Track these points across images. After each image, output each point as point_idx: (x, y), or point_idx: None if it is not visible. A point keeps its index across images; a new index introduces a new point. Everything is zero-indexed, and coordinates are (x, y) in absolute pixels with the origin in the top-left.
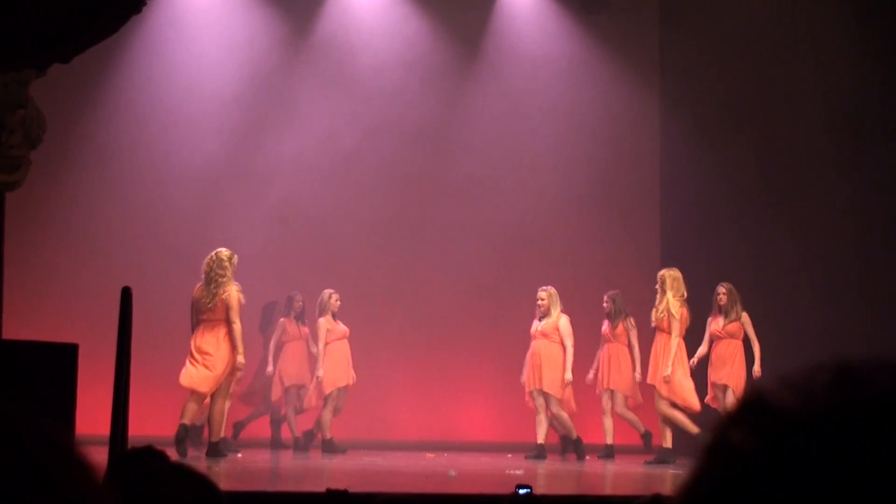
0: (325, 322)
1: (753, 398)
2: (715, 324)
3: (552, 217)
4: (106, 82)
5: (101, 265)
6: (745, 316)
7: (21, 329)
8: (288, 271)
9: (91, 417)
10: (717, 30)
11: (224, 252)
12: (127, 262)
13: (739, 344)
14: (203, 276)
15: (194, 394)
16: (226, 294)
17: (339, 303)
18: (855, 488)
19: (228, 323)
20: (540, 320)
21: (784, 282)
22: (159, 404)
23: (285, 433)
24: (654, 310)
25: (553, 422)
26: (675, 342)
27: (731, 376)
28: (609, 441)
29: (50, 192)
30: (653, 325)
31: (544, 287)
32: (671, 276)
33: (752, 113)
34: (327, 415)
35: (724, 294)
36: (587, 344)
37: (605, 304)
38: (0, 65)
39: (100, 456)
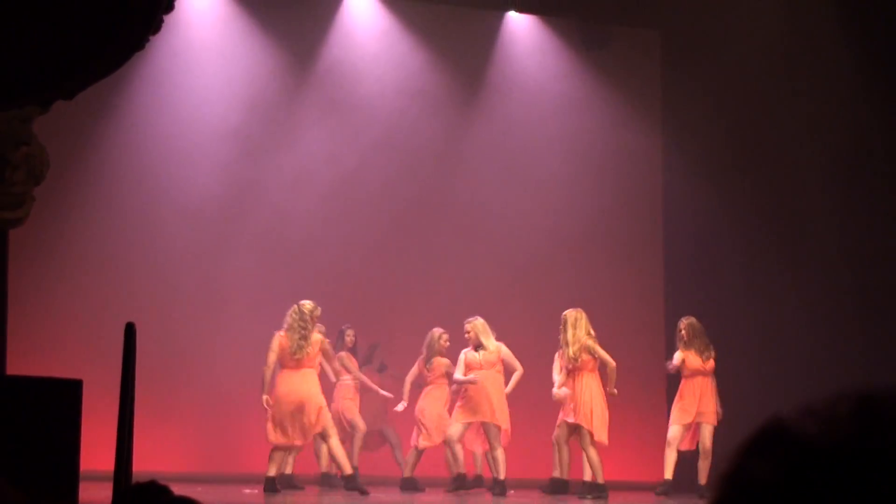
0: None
1: (773, 427)
2: (686, 360)
3: (554, 249)
4: (108, 117)
5: (105, 301)
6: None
7: (25, 365)
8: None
9: (95, 453)
10: (719, 67)
11: (307, 305)
12: (130, 298)
13: (709, 379)
14: (286, 325)
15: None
16: (311, 344)
17: (447, 343)
18: None
19: (320, 366)
20: (476, 350)
21: (784, 314)
22: (164, 440)
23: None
24: (566, 349)
25: (488, 457)
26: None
27: (711, 413)
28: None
29: (53, 229)
30: (569, 366)
31: (470, 319)
32: (573, 317)
33: (753, 148)
34: (460, 451)
35: (684, 328)
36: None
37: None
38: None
39: (104, 492)
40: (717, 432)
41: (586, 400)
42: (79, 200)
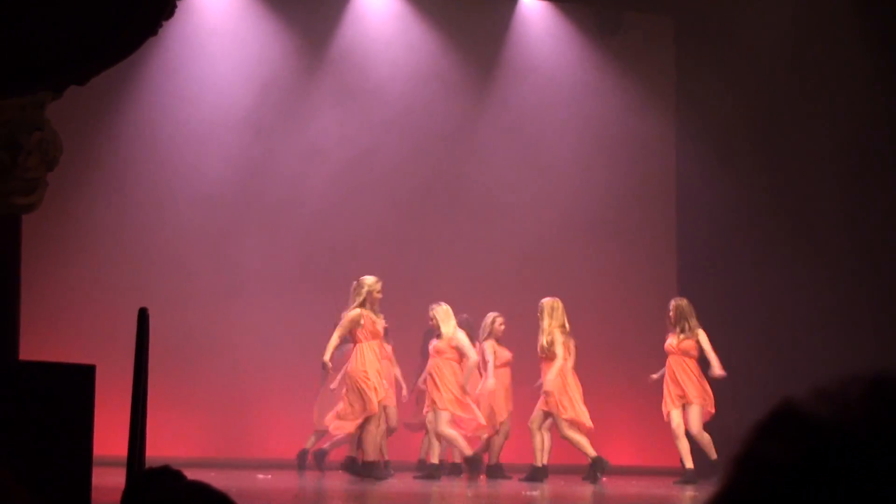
0: (490, 346)
1: (785, 409)
2: (668, 341)
3: (565, 235)
4: (121, 102)
5: (119, 286)
6: (700, 332)
7: (38, 350)
8: (306, 286)
9: (108, 439)
10: (732, 53)
11: (366, 279)
12: (144, 283)
13: (693, 361)
14: (360, 300)
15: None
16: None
17: (503, 327)
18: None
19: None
20: (438, 338)
21: (798, 302)
22: (177, 425)
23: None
24: (540, 337)
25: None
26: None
27: (692, 394)
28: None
29: (66, 214)
30: (541, 355)
31: (433, 305)
32: (550, 306)
33: (767, 135)
34: (499, 440)
35: (671, 310)
36: (608, 361)
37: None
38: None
39: (117, 478)
40: (730, 418)
41: (559, 387)
42: (92, 186)
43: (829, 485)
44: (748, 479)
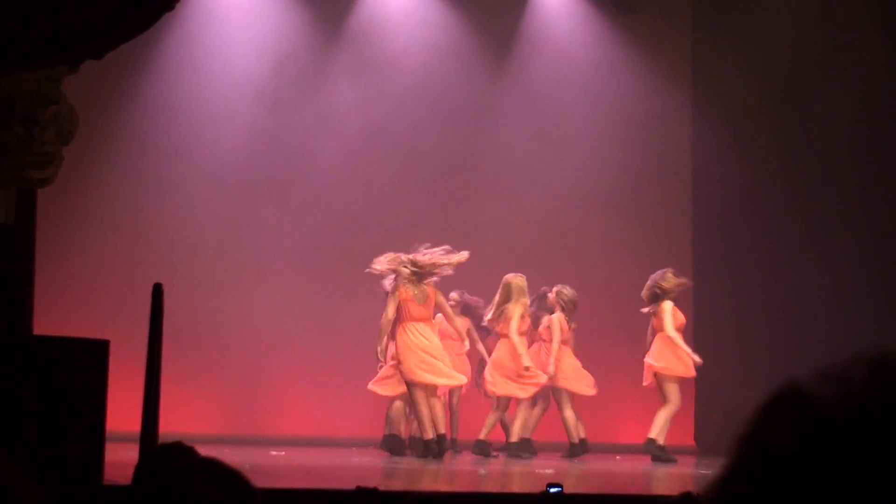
0: (557, 318)
1: (789, 391)
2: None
3: (580, 212)
4: (137, 77)
5: (133, 261)
6: (662, 305)
7: (52, 325)
8: (321, 260)
9: (122, 414)
10: (749, 31)
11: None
12: (158, 258)
13: (663, 335)
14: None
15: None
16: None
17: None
18: (893, 483)
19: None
20: None
21: (812, 279)
22: (190, 401)
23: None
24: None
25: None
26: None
27: (660, 367)
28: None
29: (81, 189)
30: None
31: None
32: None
33: (784, 113)
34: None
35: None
36: (620, 338)
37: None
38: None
39: (130, 453)
40: (745, 396)
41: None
42: (108, 161)
43: (831, 466)
44: (751, 460)
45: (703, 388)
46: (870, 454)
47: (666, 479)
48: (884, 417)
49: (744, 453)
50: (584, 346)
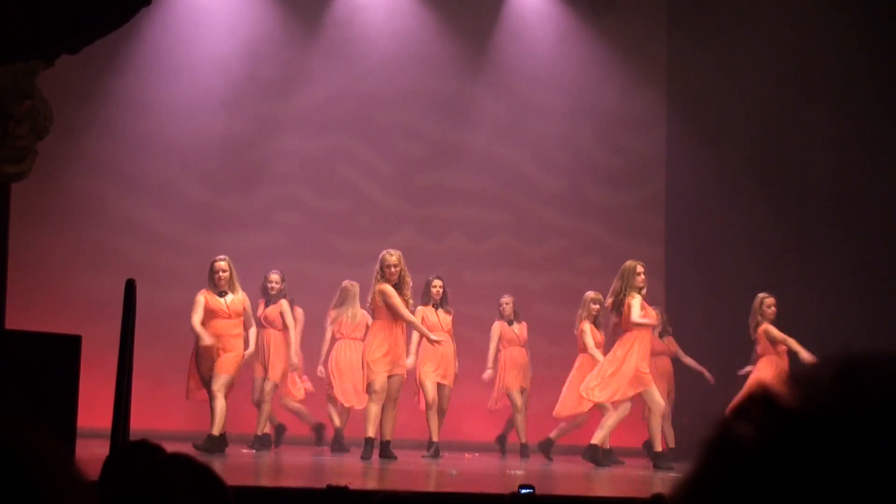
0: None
1: (758, 393)
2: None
3: (555, 213)
4: (111, 72)
5: (105, 257)
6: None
7: (24, 319)
8: (294, 258)
9: (93, 410)
10: (724, 33)
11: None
12: (131, 254)
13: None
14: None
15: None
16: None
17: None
18: (859, 485)
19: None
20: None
21: (786, 282)
22: (162, 398)
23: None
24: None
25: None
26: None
27: None
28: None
29: (54, 184)
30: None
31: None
32: None
33: (758, 114)
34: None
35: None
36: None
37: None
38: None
39: (101, 449)
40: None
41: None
42: (80, 155)
43: (798, 468)
44: (719, 462)
45: (678, 392)
46: (836, 456)
47: (639, 481)
48: (850, 419)
49: (711, 455)
50: (559, 349)
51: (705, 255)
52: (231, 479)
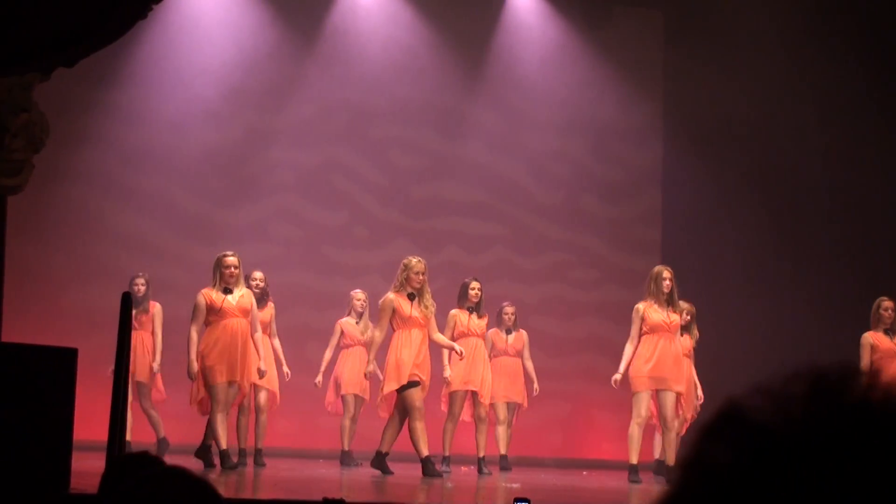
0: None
1: (730, 410)
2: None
3: (551, 227)
4: (107, 84)
5: (102, 270)
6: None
7: (19, 332)
8: (292, 269)
9: (89, 423)
10: (720, 46)
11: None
12: (128, 267)
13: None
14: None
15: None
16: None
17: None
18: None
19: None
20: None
21: (783, 295)
22: (159, 410)
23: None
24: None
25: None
26: None
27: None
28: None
29: (50, 196)
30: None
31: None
32: None
33: (754, 128)
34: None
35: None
36: (587, 354)
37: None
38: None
39: (97, 462)
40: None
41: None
42: (77, 167)
43: (771, 486)
44: (694, 481)
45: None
46: (809, 471)
47: (633, 494)
48: (822, 434)
49: (687, 475)
50: (556, 361)
51: (702, 266)
52: (228, 493)
